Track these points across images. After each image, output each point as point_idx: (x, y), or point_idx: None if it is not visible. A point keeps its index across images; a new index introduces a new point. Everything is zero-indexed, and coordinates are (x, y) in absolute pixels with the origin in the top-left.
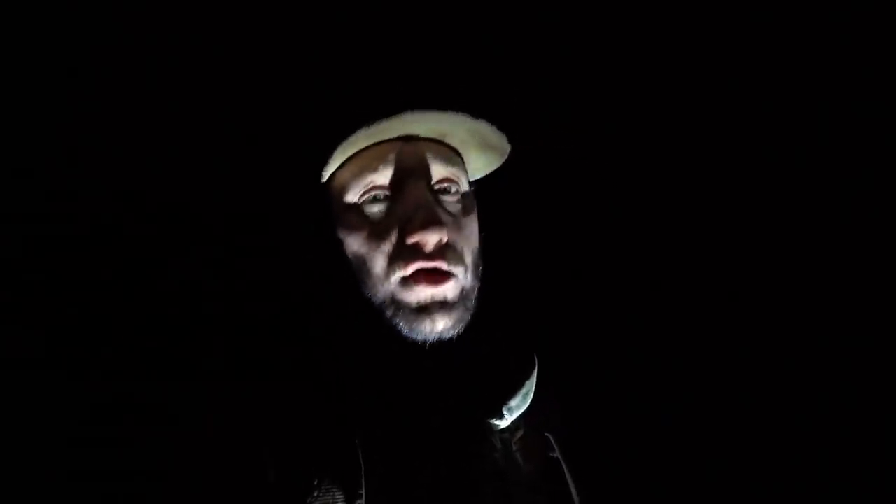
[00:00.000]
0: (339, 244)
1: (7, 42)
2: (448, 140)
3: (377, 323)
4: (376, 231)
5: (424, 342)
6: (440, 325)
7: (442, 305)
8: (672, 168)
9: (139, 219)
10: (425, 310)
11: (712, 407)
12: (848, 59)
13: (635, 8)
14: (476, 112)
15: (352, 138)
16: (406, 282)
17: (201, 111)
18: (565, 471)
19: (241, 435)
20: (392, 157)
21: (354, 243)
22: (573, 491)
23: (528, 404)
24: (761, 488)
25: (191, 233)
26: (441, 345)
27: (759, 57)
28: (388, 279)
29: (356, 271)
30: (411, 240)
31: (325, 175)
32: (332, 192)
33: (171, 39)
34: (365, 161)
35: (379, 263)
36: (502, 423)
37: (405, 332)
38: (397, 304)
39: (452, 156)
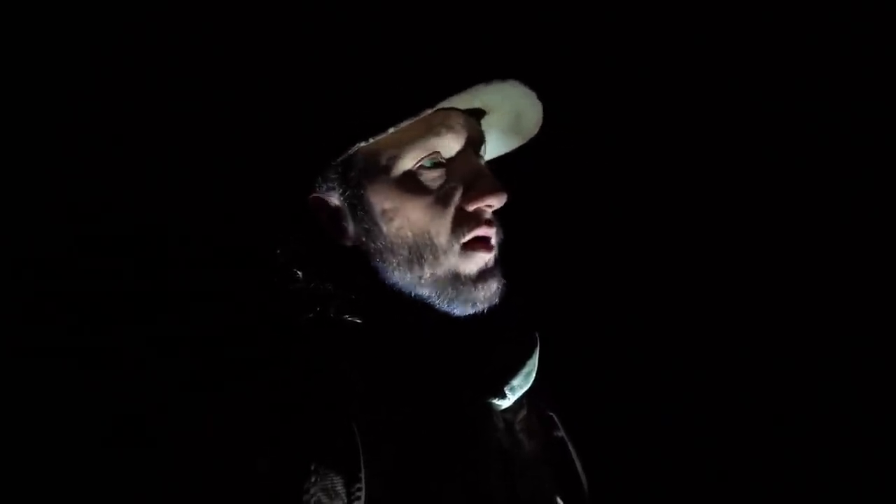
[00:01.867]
0: (389, 213)
1: (5, 41)
2: (488, 116)
3: (378, 307)
4: (438, 197)
5: (463, 317)
6: (493, 288)
7: (492, 272)
8: (675, 164)
9: (144, 207)
10: (482, 277)
11: (714, 390)
12: (848, 59)
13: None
14: (544, 93)
15: (464, 95)
16: (465, 250)
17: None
18: (571, 450)
19: (238, 423)
20: (454, 124)
21: (415, 210)
22: (579, 469)
23: (530, 384)
24: (759, 470)
25: (197, 216)
26: (440, 327)
27: (760, 56)
28: (451, 248)
29: (411, 243)
30: (475, 205)
31: (382, 134)
32: (372, 158)
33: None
34: (428, 126)
35: (443, 231)
36: (504, 403)
37: (460, 304)
38: (458, 275)
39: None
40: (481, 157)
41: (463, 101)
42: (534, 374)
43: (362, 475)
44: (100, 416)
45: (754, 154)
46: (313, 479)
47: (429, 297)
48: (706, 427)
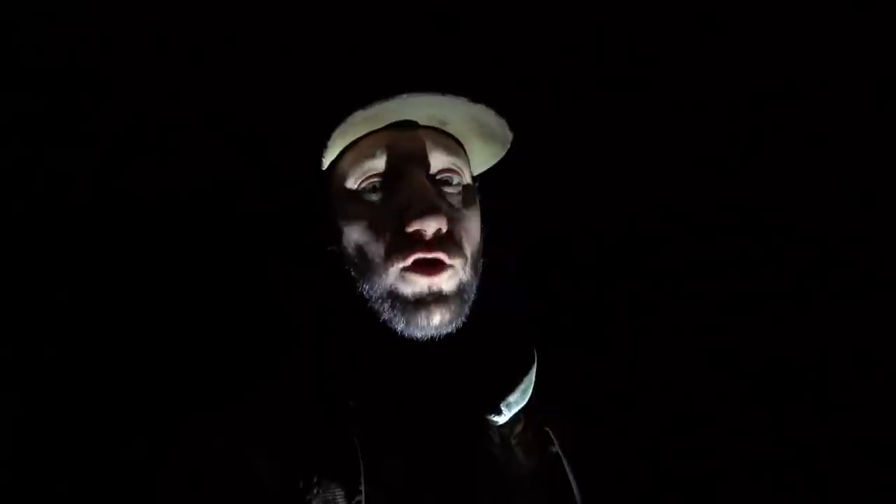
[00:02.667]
0: (338, 234)
1: (8, 39)
2: (448, 128)
3: (373, 319)
4: (375, 220)
5: (422, 339)
6: (436, 319)
7: (438, 298)
8: (673, 165)
9: (128, 219)
10: (422, 303)
11: (712, 402)
12: (847, 59)
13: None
14: (474, 96)
15: (350, 120)
16: (404, 273)
17: (194, 104)
18: (566, 465)
19: (241, 434)
20: (390, 143)
21: (353, 232)
22: (574, 485)
23: (526, 400)
24: (759, 483)
25: (186, 231)
26: (438, 341)
27: (760, 57)
28: (386, 271)
29: (354, 263)
30: (410, 228)
31: (326, 162)
32: (333, 180)
33: (162, 32)
34: (363, 148)
35: (377, 253)
36: (500, 419)
37: (401, 328)
38: (394, 297)
39: (454, 145)
40: (445, 171)
41: (390, 118)
42: (530, 391)
43: (363, 488)
44: (101, 417)
45: (751, 164)
46: (315, 491)
47: (382, 315)
48: (704, 442)
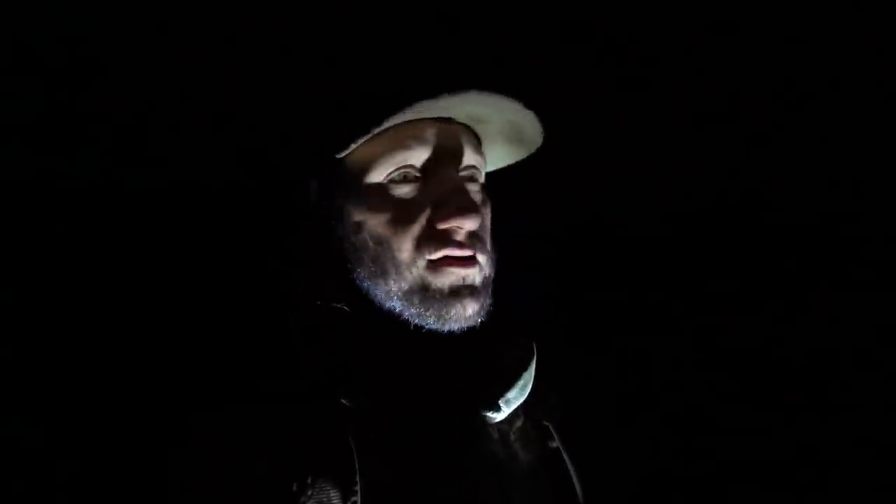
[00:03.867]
0: (356, 227)
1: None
2: (480, 127)
3: (384, 316)
4: (404, 213)
5: (448, 332)
6: (469, 310)
7: (471, 290)
8: (672, 165)
9: (128, 216)
10: (456, 294)
11: (711, 396)
12: (848, 59)
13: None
14: (528, 100)
15: (416, 107)
16: (434, 266)
17: (195, 92)
18: (566, 460)
19: (239, 435)
20: (429, 136)
21: (378, 225)
22: (575, 480)
23: (525, 396)
24: (757, 476)
25: (185, 229)
26: (451, 338)
27: (760, 59)
28: (414, 264)
29: (374, 257)
30: (444, 224)
31: (345, 150)
32: (349, 169)
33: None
34: (398, 138)
35: (405, 247)
36: (499, 416)
37: (431, 322)
38: (426, 289)
39: (478, 143)
40: (471, 168)
41: (434, 112)
42: (529, 386)
43: (358, 488)
44: (99, 416)
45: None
46: (310, 493)
47: (399, 311)
48: (701, 437)
